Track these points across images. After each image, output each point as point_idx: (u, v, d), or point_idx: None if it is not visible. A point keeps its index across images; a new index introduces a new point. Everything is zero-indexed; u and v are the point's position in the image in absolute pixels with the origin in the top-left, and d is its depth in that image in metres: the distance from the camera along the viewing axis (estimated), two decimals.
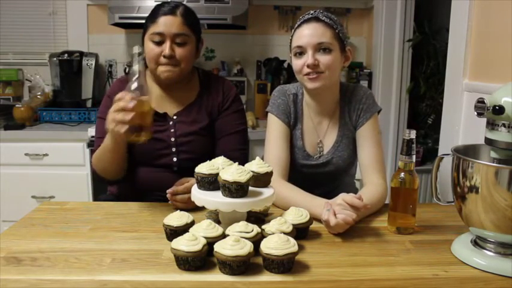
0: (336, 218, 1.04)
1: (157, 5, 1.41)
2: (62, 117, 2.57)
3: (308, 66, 1.29)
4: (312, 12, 1.33)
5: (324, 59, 1.29)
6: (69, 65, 2.65)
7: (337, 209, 1.06)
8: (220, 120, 1.49)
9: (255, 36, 2.97)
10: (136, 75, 1.14)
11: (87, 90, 2.69)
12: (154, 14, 1.39)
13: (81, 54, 2.69)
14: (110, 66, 2.88)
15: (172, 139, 1.43)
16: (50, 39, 2.88)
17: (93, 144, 1.53)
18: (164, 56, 1.36)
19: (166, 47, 1.35)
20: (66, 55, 2.65)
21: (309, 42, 1.29)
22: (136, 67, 1.14)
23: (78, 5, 2.84)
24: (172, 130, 1.44)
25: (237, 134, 1.49)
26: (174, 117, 1.46)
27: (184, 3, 2.49)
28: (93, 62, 2.69)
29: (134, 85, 1.13)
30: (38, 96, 2.63)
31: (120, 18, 2.48)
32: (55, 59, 2.65)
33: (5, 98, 2.77)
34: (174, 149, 1.43)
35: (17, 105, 2.45)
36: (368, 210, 1.16)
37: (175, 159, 1.43)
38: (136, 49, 1.15)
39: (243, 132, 1.53)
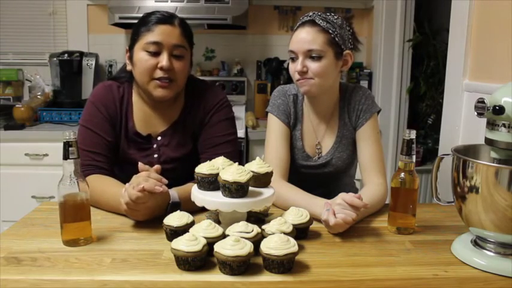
0: (336, 218, 1.04)
1: (149, 13, 1.28)
2: (62, 117, 2.57)
3: (298, 73, 1.28)
4: (310, 14, 1.31)
5: (313, 66, 1.27)
6: (69, 65, 2.65)
7: (336, 209, 1.06)
8: (202, 136, 1.37)
9: (255, 36, 2.97)
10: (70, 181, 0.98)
11: (87, 90, 2.69)
12: (149, 21, 1.25)
13: (81, 54, 2.69)
14: (110, 66, 2.87)
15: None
16: (50, 39, 2.88)
17: None
18: (161, 69, 1.23)
19: (163, 59, 1.23)
20: (66, 55, 2.65)
21: (299, 48, 1.28)
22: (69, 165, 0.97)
23: (78, 5, 2.84)
24: (155, 155, 1.35)
25: (223, 145, 1.34)
26: (158, 138, 1.36)
27: (184, 3, 2.53)
28: (93, 62, 2.69)
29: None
30: (38, 96, 2.63)
31: (120, 18, 2.48)
32: (55, 59, 2.65)
33: (5, 98, 2.76)
34: None
35: (17, 105, 2.44)
36: (368, 210, 1.16)
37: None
38: (67, 135, 0.96)
39: (231, 143, 1.37)
